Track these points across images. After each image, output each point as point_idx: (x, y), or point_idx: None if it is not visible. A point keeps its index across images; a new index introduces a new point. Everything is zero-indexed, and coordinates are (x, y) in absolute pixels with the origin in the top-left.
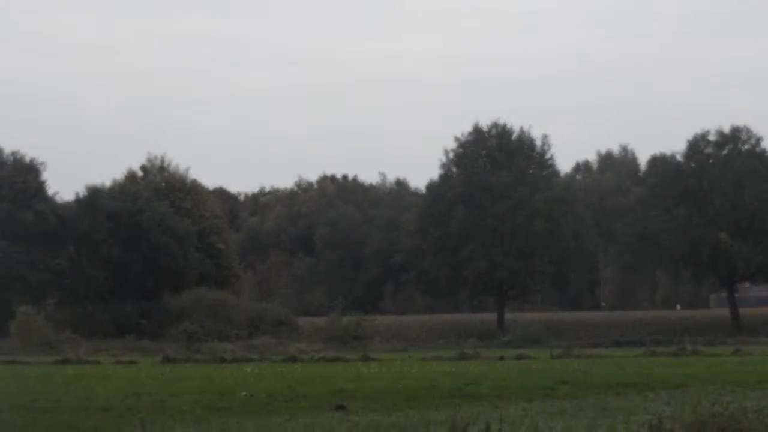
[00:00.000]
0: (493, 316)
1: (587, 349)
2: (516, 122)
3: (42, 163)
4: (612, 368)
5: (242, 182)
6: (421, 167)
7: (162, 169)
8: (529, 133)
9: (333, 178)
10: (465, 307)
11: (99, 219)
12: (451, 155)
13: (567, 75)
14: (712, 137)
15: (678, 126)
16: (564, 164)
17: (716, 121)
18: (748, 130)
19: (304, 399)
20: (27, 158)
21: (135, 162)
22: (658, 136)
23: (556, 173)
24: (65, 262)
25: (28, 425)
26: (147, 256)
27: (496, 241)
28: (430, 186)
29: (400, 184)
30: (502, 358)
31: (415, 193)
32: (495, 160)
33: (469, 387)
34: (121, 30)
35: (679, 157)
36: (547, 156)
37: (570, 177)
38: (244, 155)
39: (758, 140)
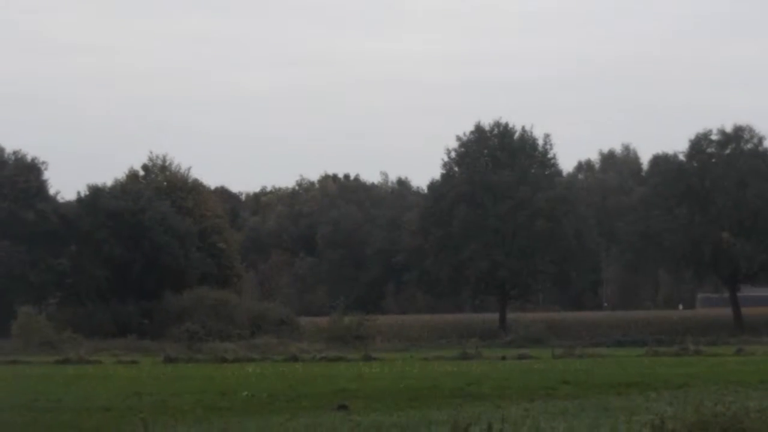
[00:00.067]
0: (495, 315)
1: (589, 349)
2: (517, 122)
3: (43, 163)
4: (614, 368)
5: (244, 182)
6: (422, 167)
7: (163, 168)
8: (531, 133)
9: (335, 177)
10: (467, 306)
11: (100, 218)
12: (453, 155)
13: (567, 75)
14: (714, 136)
15: (680, 125)
16: (566, 164)
17: (718, 120)
18: (751, 130)
19: (305, 399)
20: (28, 158)
21: (136, 162)
22: (660, 135)
23: (559, 172)
24: (67, 261)
25: (29, 425)
26: (148, 255)
27: (498, 240)
28: (432, 185)
29: (402, 184)
30: (503, 358)
31: (417, 193)
32: (497, 159)
33: (471, 387)
34: (121, 30)
35: (681, 157)
36: (550, 155)
37: (572, 176)
38: (245, 155)
39: (761, 139)
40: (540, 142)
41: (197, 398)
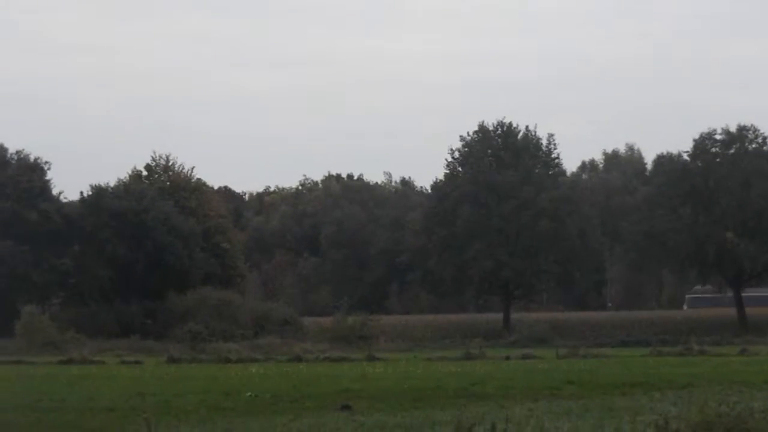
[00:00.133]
0: (499, 315)
1: (593, 349)
2: (518, 122)
3: (46, 163)
4: (618, 368)
5: (247, 181)
6: (424, 167)
7: (167, 168)
8: (535, 133)
9: (338, 177)
10: (470, 306)
11: (104, 218)
12: (457, 154)
13: (567, 75)
14: (718, 136)
15: (683, 125)
16: (569, 163)
17: (722, 120)
18: (755, 130)
19: (309, 399)
20: (31, 157)
21: (138, 162)
22: (663, 135)
23: (562, 172)
24: (70, 261)
25: (32, 425)
26: (152, 255)
27: (502, 240)
28: (436, 185)
29: (406, 184)
30: (507, 358)
31: (421, 193)
32: (500, 159)
33: (475, 387)
34: (121, 30)
35: (685, 156)
36: (553, 155)
37: (576, 176)
38: (248, 155)
39: (765, 139)
40: (544, 142)
41: (201, 398)
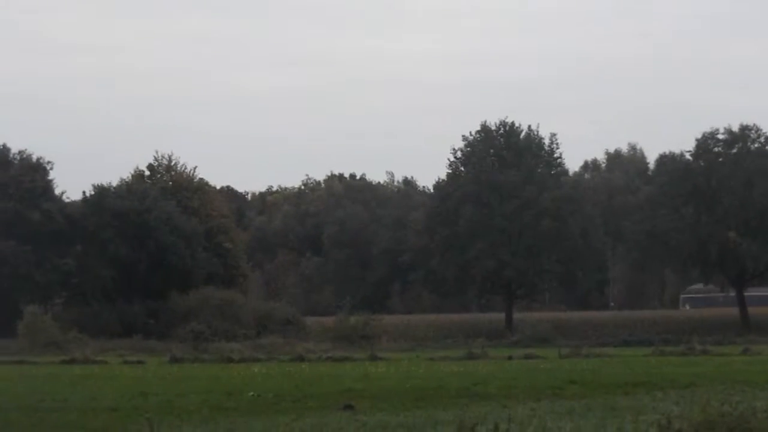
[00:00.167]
0: (501, 315)
1: (596, 349)
2: (520, 121)
3: (49, 162)
4: (621, 368)
5: (249, 181)
6: (426, 167)
7: (169, 168)
8: (537, 132)
9: (341, 177)
10: (473, 306)
11: (106, 218)
12: (459, 154)
13: (568, 74)
14: (721, 136)
15: (686, 125)
16: (572, 163)
17: (724, 120)
18: (758, 129)
19: (311, 399)
20: (34, 157)
21: (141, 162)
22: (666, 134)
23: (565, 172)
24: (72, 261)
25: (35, 425)
26: (154, 255)
27: (504, 240)
28: (438, 185)
29: (408, 184)
30: (510, 358)
31: (423, 193)
32: (503, 158)
33: (477, 387)
34: (123, 30)
35: (687, 156)
36: (556, 155)
37: (578, 176)
38: (251, 155)
39: (767, 139)
40: (546, 141)
41: (203, 398)
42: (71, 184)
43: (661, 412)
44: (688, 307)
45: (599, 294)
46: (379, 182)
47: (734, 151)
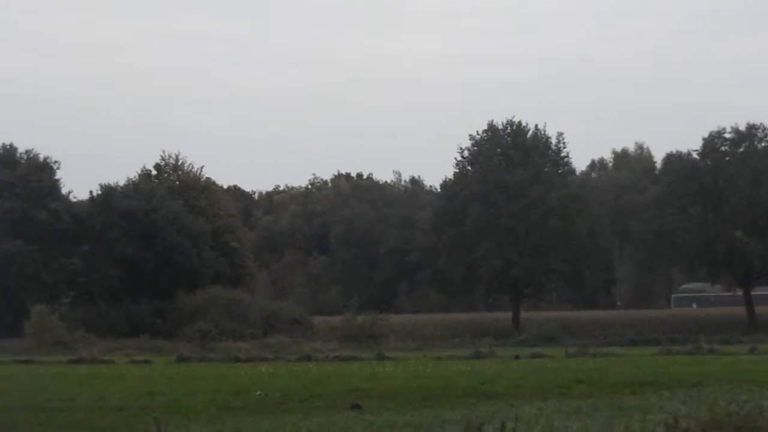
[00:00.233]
0: (508, 314)
1: (603, 348)
2: (525, 121)
3: (56, 162)
4: (627, 367)
5: (256, 181)
6: (429, 167)
7: (176, 167)
8: (544, 131)
9: (347, 176)
10: (480, 305)
11: (113, 218)
12: (466, 153)
13: (568, 74)
14: (728, 135)
15: (692, 124)
16: (579, 162)
17: (731, 119)
18: (764, 128)
19: (318, 398)
20: (41, 157)
21: (147, 161)
22: (672, 134)
23: (572, 171)
24: (79, 261)
25: (42, 424)
26: (161, 255)
27: (511, 239)
28: (445, 184)
29: (415, 183)
30: (517, 357)
31: (430, 192)
32: (510, 158)
33: (484, 386)
34: (126, 30)
35: (694, 155)
36: (563, 154)
37: (585, 175)
38: (258, 154)
39: None
40: (553, 140)
41: (210, 398)
42: (73, 184)
43: (669, 412)
44: (695, 305)
45: (606, 293)
46: (386, 182)
47: (741, 150)
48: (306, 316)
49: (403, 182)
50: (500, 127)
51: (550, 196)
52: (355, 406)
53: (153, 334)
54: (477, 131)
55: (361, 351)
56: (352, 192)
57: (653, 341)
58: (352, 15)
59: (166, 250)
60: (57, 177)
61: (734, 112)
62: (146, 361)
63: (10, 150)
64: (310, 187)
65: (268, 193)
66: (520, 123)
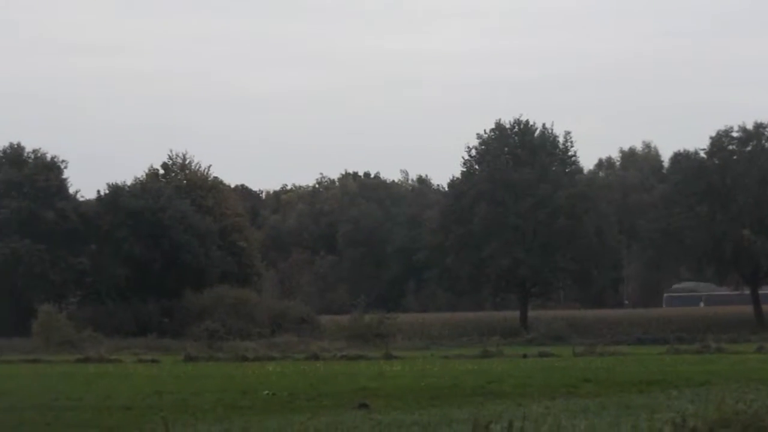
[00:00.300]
0: (516, 313)
1: (610, 347)
2: (531, 120)
3: (63, 161)
4: (635, 366)
5: (264, 180)
6: (432, 166)
7: (183, 167)
8: (552, 130)
9: (355, 175)
10: (488, 304)
11: (120, 217)
12: (474, 152)
13: (578, 73)
14: (735, 134)
15: (700, 123)
16: (586, 161)
17: (738, 117)
18: None
19: (326, 397)
20: (48, 156)
21: (155, 161)
22: (680, 133)
23: (579, 170)
24: (87, 260)
25: (49, 424)
26: (169, 254)
27: (519, 238)
28: (453, 183)
29: (423, 182)
30: (525, 356)
31: (438, 191)
32: (517, 157)
33: (492, 385)
34: (129, 30)
35: (702, 154)
36: (570, 153)
37: (593, 174)
38: (265, 153)
39: None
40: (560, 139)
41: (218, 397)
42: (80, 183)
43: (676, 411)
44: (702, 304)
45: (614, 292)
46: (393, 181)
47: (749, 148)
48: (313, 316)
49: (410, 181)
50: (508, 126)
51: (557, 195)
52: (363, 405)
53: (160, 334)
54: (484, 130)
55: (368, 350)
56: (360, 191)
57: (661, 340)
58: (353, 15)
59: (173, 250)
60: (64, 176)
61: (742, 111)
62: (154, 361)
63: (18, 149)
64: (317, 186)
65: (275, 192)
66: (527, 122)
